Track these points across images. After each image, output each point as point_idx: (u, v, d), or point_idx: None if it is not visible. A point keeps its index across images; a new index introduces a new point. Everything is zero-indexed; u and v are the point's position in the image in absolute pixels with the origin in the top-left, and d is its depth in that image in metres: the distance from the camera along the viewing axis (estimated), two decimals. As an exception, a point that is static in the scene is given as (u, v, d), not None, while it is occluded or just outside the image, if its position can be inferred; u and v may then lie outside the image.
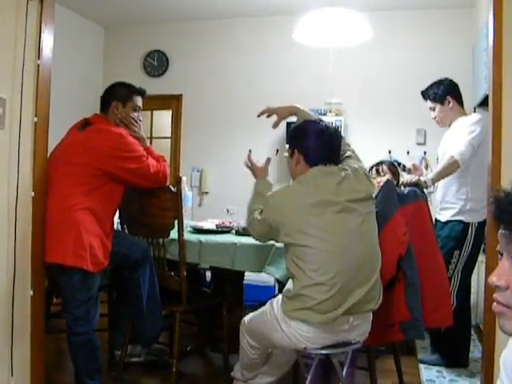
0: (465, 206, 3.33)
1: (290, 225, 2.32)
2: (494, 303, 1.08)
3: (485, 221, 3.17)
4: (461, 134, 3.31)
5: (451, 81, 3.53)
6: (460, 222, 3.35)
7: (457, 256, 3.33)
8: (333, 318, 2.26)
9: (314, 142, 2.46)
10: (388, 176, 3.53)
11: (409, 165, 3.65)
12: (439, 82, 3.52)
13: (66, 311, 2.71)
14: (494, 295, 1.07)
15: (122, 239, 2.94)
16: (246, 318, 2.61)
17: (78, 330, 2.67)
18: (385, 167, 3.65)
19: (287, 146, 2.60)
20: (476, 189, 3.31)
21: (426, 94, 3.56)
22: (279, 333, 2.35)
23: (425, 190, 3.10)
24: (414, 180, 3.10)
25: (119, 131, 2.80)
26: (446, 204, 3.45)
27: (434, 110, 3.52)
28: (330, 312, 2.26)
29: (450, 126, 3.54)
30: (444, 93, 3.47)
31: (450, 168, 3.25)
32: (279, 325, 2.34)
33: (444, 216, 3.46)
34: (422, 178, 3.18)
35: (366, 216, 2.38)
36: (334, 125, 5.10)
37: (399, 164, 4.07)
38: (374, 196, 2.50)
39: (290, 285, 2.39)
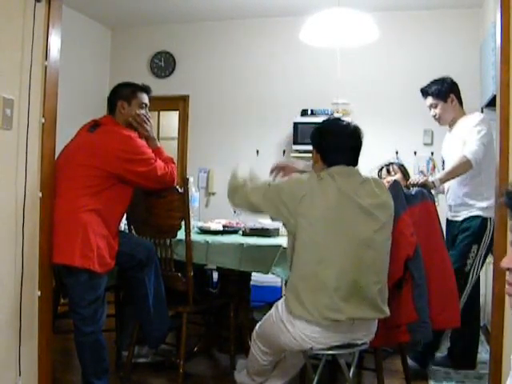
0: (482, 204, 3.26)
1: (304, 215, 2.30)
2: (507, 285, 1.25)
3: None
4: (467, 134, 3.25)
5: (452, 79, 3.48)
6: (478, 216, 3.28)
7: (475, 251, 3.25)
8: (335, 320, 2.27)
9: (331, 142, 2.45)
10: (398, 175, 3.53)
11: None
12: (442, 80, 3.46)
13: (73, 311, 2.72)
14: (506, 277, 1.24)
15: (127, 239, 2.95)
16: (257, 325, 2.60)
17: (86, 330, 2.68)
18: (395, 167, 3.65)
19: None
20: (491, 187, 3.14)
21: (427, 91, 3.47)
22: (285, 334, 2.34)
23: (432, 190, 3.09)
24: (421, 180, 3.08)
25: (128, 133, 2.81)
26: (461, 206, 3.38)
27: (435, 107, 3.44)
28: (330, 313, 2.26)
29: (450, 125, 3.50)
30: (448, 90, 3.41)
31: (462, 168, 3.18)
32: (285, 326, 2.34)
33: (461, 216, 3.39)
34: (430, 179, 3.16)
35: (383, 225, 2.37)
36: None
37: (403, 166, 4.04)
38: (392, 207, 2.47)
39: (289, 283, 2.40)
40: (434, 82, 3.47)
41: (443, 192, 3.58)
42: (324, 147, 2.46)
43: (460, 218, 3.39)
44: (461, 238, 3.30)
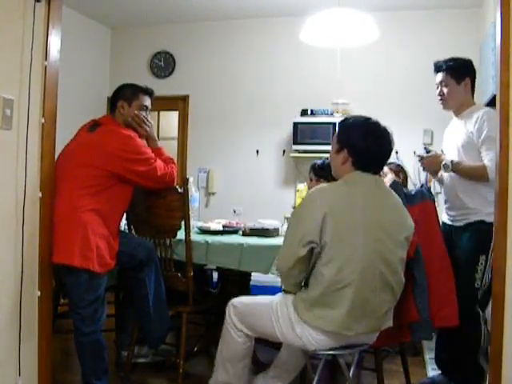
0: (486, 208, 2.82)
1: (330, 235, 2.20)
2: None
3: None
4: (486, 140, 2.81)
5: (472, 63, 3.11)
6: (482, 222, 2.87)
7: (483, 262, 2.85)
8: (343, 334, 2.28)
9: (369, 146, 2.33)
10: (390, 176, 3.53)
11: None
12: (462, 60, 3.07)
13: (73, 311, 2.72)
14: None
15: (128, 239, 2.95)
16: (238, 302, 2.53)
17: (86, 330, 2.68)
18: (385, 168, 3.66)
19: (335, 139, 2.41)
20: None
21: (441, 66, 3.06)
22: (290, 333, 2.33)
23: (432, 189, 3.07)
24: (437, 158, 2.99)
25: (128, 133, 2.81)
26: (461, 210, 2.99)
27: (445, 85, 3.03)
28: (341, 330, 2.25)
29: (456, 112, 3.11)
30: (465, 71, 3.04)
31: (478, 176, 2.85)
32: (292, 326, 2.32)
33: (462, 221, 2.99)
34: (446, 159, 2.95)
35: (401, 245, 2.36)
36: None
37: (400, 166, 4.03)
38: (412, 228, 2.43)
39: (305, 293, 2.34)
40: (455, 58, 3.08)
41: (441, 182, 3.21)
42: (360, 150, 2.32)
43: (460, 224, 3.02)
44: (464, 248, 2.93)
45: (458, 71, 3.02)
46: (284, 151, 5.65)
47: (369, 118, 2.41)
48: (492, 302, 2.36)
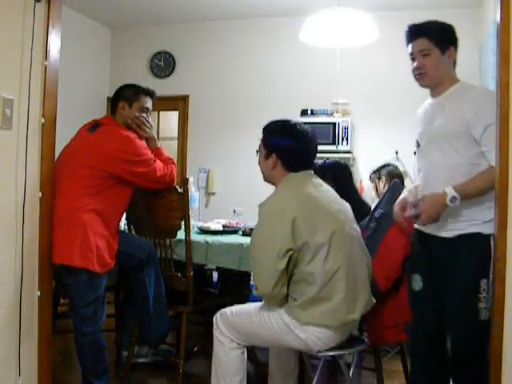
0: (484, 215, 2.22)
1: (306, 238, 2.24)
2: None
3: None
4: (485, 133, 2.25)
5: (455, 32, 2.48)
6: (478, 235, 2.21)
7: (485, 288, 2.19)
8: (349, 320, 2.28)
9: (295, 146, 2.40)
10: (372, 185, 3.62)
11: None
12: (445, 24, 2.49)
13: (73, 311, 2.73)
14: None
15: (127, 239, 2.95)
16: (225, 312, 2.49)
17: (86, 330, 2.68)
18: (373, 175, 3.73)
19: (262, 146, 2.48)
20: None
21: (423, 29, 2.41)
22: (291, 338, 2.31)
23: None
24: (437, 197, 2.20)
25: (127, 134, 2.81)
26: (450, 216, 2.26)
27: (426, 55, 2.34)
28: (346, 314, 2.26)
29: (434, 92, 2.45)
30: (450, 39, 2.41)
31: (493, 186, 2.17)
32: (293, 332, 2.29)
33: (451, 231, 2.26)
34: (449, 195, 2.16)
35: (353, 221, 2.47)
36: (340, 125, 5.17)
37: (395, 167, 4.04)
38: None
39: (297, 301, 2.30)
40: (437, 22, 2.49)
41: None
42: (287, 151, 2.40)
43: (447, 235, 2.27)
44: (459, 270, 2.24)
45: (443, 37, 2.39)
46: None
47: (289, 120, 2.50)
48: (492, 303, 2.36)
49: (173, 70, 6.17)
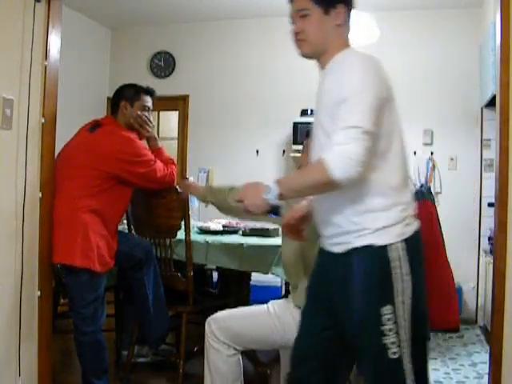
0: (376, 221, 1.69)
1: None
2: None
3: (418, 233, 1.76)
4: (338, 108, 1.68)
5: None
6: (369, 248, 1.68)
7: (391, 316, 1.67)
8: None
9: None
10: None
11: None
12: None
13: (73, 311, 2.73)
14: None
15: (126, 239, 2.96)
16: (217, 317, 2.41)
17: (86, 330, 2.68)
18: None
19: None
20: (398, 183, 1.74)
21: None
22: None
23: (432, 189, 3.03)
24: (256, 186, 1.76)
25: (127, 135, 2.81)
26: (332, 227, 1.78)
27: (305, 15, 1.86)
28: None
29: (321, 63, 1.94)
30: None
31: (317, 178, 1.66)
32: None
33: (342, 244, 1.74)
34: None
35: None
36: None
37: None
38: None
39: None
40: None
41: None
42: None
43: (336, 250, 1.77)
44: (349, 296, 1.72)
45: None
46: (284, 151, 5.64)
47: None
48: (492, 301, 2.36)
49: (173, 69, 6.16)
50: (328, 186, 1.61)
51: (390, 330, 1.67)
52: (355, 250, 1.70)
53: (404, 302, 1.67)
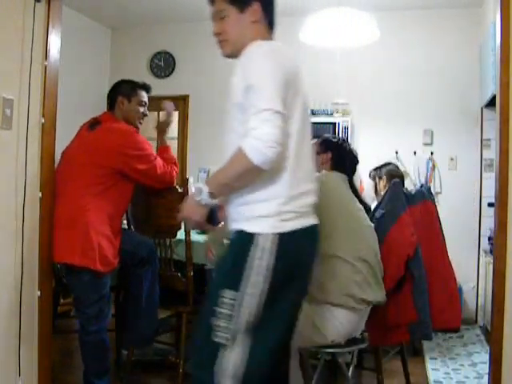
0: (250, 211, 1.75)
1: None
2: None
3: (301, 232, 1.74)
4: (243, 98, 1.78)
5: None
6: (241, 232, 1.75)
7: (229, 303, 1.67)
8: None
9: (347, 155, 2.64)
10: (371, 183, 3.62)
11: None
12: None
13: (78, 310, 2.74)
14: None
15: (129, 237, 2.95)
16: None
17: (91, 329, 2.68)
18: (373, 172, 3.76)
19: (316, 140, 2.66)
20: (270, 180, 1.72)
21: None
22: (312, 334, 2.33)
23: (432, 189, 3.07)
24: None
25: (128, 128, 2.83)
26: (234, 209, 1.85)
27: (224, 17, 1.93)
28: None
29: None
30: None
31: (240, 166, 1.67)
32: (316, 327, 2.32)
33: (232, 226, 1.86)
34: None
35: None
36: (340, 125, 5.17)
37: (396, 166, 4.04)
38: None
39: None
40: None
41: None
42: (340, 156, 2.64)
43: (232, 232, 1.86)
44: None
45: None
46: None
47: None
48: (492, 301, 2.36)
49: (173, 70, 6.16)
50: (252, 172, 1.63)
51: (224, 314, 1.66)
52: (234, 233, 1.77)
53: (254, 295, 1.66)
